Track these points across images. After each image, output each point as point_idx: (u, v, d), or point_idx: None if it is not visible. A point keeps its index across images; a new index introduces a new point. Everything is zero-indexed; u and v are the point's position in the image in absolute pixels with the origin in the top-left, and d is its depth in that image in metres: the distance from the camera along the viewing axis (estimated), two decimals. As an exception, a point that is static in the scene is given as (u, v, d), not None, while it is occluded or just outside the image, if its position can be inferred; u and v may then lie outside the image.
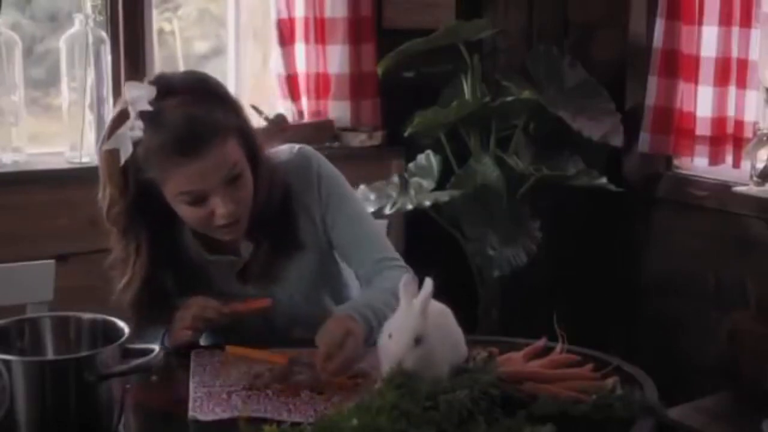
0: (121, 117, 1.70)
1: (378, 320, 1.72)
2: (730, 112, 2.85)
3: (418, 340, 1.47)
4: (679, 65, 2.94)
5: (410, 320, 1.49)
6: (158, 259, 1.79)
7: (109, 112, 2.73)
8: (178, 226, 1.80)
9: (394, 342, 1.49)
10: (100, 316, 1.52)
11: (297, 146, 1.91)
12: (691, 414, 2.54)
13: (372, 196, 2.86)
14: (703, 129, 2.88)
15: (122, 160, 1.69)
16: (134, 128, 1.67)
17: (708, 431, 2.51)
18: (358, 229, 1.90)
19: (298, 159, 1.89)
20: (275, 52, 3.02)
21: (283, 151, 1.90)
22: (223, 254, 1.85)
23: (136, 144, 1.67)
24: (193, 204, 1.71)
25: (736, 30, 2.80)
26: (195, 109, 1.68)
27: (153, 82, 1.72)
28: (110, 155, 1.72)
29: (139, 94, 1.67)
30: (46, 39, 2.88)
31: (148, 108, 1.67)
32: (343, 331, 1.63)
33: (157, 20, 2.97)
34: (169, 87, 1.71)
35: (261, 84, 3.16)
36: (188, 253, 1.84)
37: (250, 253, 1.83)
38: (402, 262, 1.90)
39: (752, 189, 2.81)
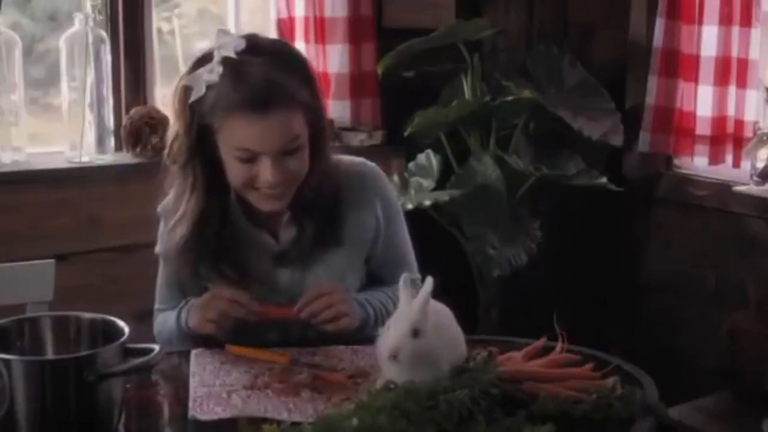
0: (204, 59, 1.74)
1: (373, 309, 1.87)
2: (730, 111, 2.85)
3: (415, 332, 1.47)
4: (679, 65, 2.94)
5: (409, 314, 1.49)
6: (211, 200, 1.81)
7: (110, 112, 2.75)
8: (225, 186, 1.82)
9: (391, 332, 1.49)
10: (100, 316, 1.52)
11: (372, 163, 1.97)
12: (691, 414, 2.54)
13: (372, 196, 2.85)
14: (703, 128, 2.88)
15: (192, 98, 1.72)
16: (213, 71, 1.70)
17: (708, 431, 2.51)
18: (402, 251, 1.99)
19: (372, 172, 1.95)
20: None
21: (355, 160, 1.95)
22: (264, 231, 1.87)
23: (209, 88, 1.70)
24: (242, 161, 1.73)
25: (736, 29, 2.80)
26: (274, 72, 1.71)
27: (244, 37, 1.75)
28: (184, 91, 1.75)
29: (228, 42, 1.71)
30: (46, 39, 2.88)
31: (233, 56, 1.70)
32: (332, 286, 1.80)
33: (157, 19, 2.97)
34: (257, 45, 1.75)
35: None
36: (231, 221, 1.85)
37: (293, 237, 1.85)
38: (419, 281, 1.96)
39: (752, 189, 2.81)
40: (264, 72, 1.70)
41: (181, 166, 1.81)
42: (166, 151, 1.83)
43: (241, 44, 1.72)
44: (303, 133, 1.75)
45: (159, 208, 1.91)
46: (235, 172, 1.76)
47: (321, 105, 1.83)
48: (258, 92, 1.68)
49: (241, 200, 1.84)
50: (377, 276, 1.98)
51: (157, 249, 1.91)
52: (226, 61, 1.70)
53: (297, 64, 1.79)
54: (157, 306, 1.95)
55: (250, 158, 1.73)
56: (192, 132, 1.76)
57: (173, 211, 1.84)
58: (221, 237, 1.84)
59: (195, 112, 1.74)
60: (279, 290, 1.86)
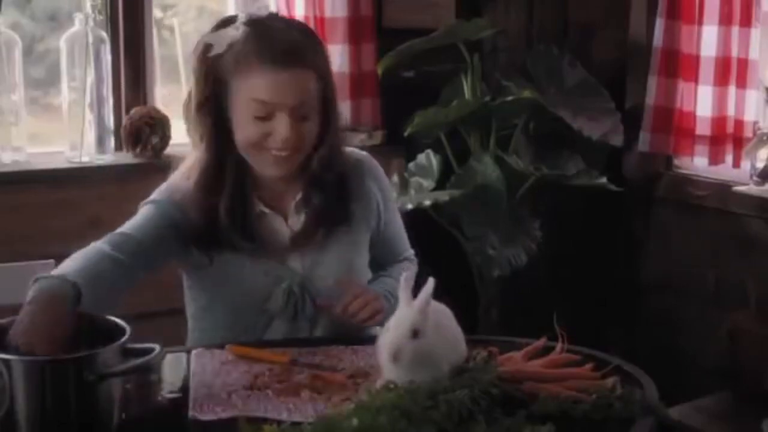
0: (227, 21, 1.84)
1: (394, 299, 1.87)
2: (730, 111, 2.85)
3: (415, 333, 1.47)
4: (679, 65, 2.94)
5: (409, 314, 1.49)
6: (219, 155, 1.84)
7: (110, 112, 2.75)
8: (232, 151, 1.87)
9: (392, 333, 1.49)
10: (100, 316, 1.52)
11: (365, 152, 2.04)
12: (691, 414, 2.54)
13: (372, 196, 2.86)
14: (703, 128, 2.88)
15: (212, 53, 1.79)
16: (238, 29, 1.79)
17: (708, 431, 2.51)
18: (398, 232, 2.08)
19: (368, 160, 2.01)
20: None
21: (349, 149, 2.02)
22: (276, 213, 1.90)
23: (231, 45, 1.78)
24: (258, 118, 1.78)
25: (736, 29, 2.80)
26: (295, 33, 1.82)
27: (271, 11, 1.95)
28: (204, 48, 1.81)
29: (254, 6, 1.88)
30: (46, 39, 2.88)
31: (259, 15, 1.82)
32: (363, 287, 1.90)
33: (157, 19, 2.97)
34: (282, 18, 1.91)
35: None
36: (245, 199, 1.89)
37: (303, 222, 1.89)
38: (413, 255, 2.12)
39: (752, 189, 2.81)
40: (286, 31, 1.81)
41: (192, 118, 1.86)
42: (184, 105, 1.89)
43: (266, 10, 1.85)
44: (315, 100, 1.81)
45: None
46: (248, 131, 1.80)
47: (332, 80, 1.89)
48: (281, 47, 1.77)
49: (254, 180, 1.88)
50: (376, 257, 2.03)
51: (149, 197, 1.91)
52: (250, 21, 1.80)
53: (313, 35, 1.89)
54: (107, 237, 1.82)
55: (266, 114, 1.78)
56: (208, 82, 1.81)
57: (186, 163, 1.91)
58: (235, 212, 1.86)
59: (212, 66, 1.80)
60: (290, 272, 1.89)
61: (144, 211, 1.88)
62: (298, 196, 1.90)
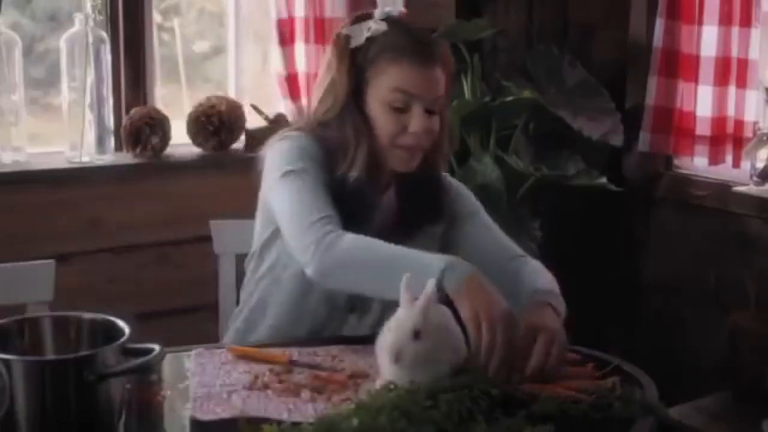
0: (363, 17, 1.90)
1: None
2: (730, 111, 2.85)
3: (416, 334, 1.47)
4: (679, 65, 2.95)
5: (410, 315, 1.49)
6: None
7: (110, 112, 2.75)
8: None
9: (393, 334, 1.49)
10: (100, 316, 1.52)
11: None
12: (691, 414, 2.55)
13: (372, 196, 2.85)
14: (703, 129, 2.88)
15: (352, 44, 1.86)
16: (379, 24, 1.86)
17: (708, 431, 2.51)
18: (497, 237, 2.05)
19: (457, 186, 2.05)
20: (275, 51, 3.01)
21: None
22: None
23: (370, 39, 1.84)
24: (395, 110, 1.83)
25: (736, 30, 2.80)
26: (434, 37, 1.93)
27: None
28: (345, 39, 1.87)
29: (393, 3, 1.89)
30: (46, 39, 2.88)
31: (395, 14, 1.88)
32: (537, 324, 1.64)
33: (157, 19, 2.97)
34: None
35: (261, 83, 3.16)
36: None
37: (390, 211, 1.90)
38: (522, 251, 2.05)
39: (752, 189, 2.81)
40: (427, 32, 1.91)
41: (338, 114, 1.87)
42: (318, 106, 1.90)
43: (401, 7, 1.88)
44: (443, 99, 1.88)
45: (293, 131, 1.92)
46: (386, 123, 1.84)
47: (451, 92, 1.96)
48: (426, 43, 1.86)
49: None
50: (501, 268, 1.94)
51: (291, 166, 1.83)
52: (390, 18, 1.87)
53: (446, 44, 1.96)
54: (318, 216, 1.76)
55: (404, 106, 1.83)
56: (351, 76, 1.85)
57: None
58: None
59: (355, 59, 1.85)
60: None
61: (300, 181, 1.82)
62: (390, 192, 1.92)
